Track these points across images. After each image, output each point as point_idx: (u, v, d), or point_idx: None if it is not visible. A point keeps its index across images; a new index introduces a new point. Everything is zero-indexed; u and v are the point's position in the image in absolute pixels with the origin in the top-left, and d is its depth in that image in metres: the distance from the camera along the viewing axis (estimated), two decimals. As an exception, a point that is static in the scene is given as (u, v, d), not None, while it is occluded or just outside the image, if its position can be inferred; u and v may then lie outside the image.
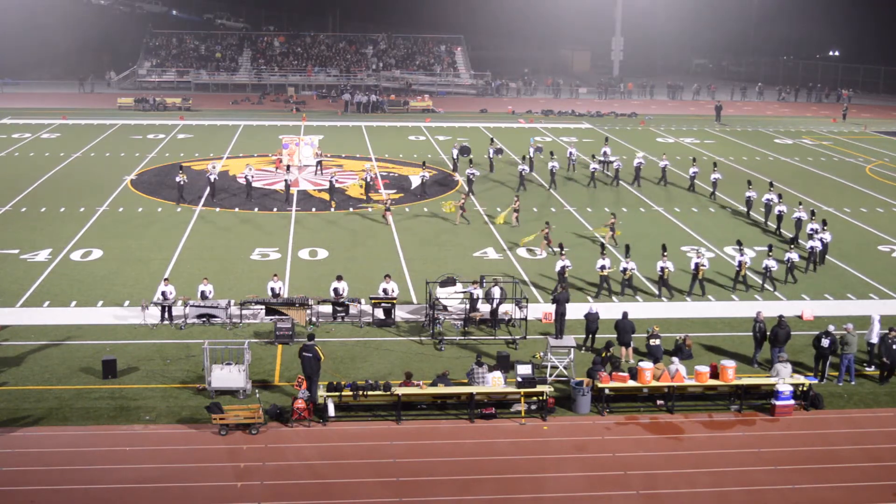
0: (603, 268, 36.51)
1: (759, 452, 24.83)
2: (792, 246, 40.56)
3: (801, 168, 64.58)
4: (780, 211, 46.72)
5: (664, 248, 37.71)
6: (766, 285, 37.87)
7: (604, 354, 28.90)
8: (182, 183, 50.17)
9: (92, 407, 26.53)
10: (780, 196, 48.42)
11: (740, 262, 37.61)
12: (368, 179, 52.50)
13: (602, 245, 39.26)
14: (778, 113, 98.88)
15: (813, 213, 45.21)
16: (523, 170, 54.74)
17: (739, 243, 39.19)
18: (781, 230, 46.60)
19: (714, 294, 37.15)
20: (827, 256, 41.82)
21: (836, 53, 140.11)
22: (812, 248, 40.55)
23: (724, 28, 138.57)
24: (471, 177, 53.55)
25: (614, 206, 51.07)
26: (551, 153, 58.13)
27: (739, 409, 27.27)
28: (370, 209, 48.86)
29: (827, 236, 41.37)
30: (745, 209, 50.42)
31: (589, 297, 35.48)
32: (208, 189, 51.64)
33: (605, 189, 55.88)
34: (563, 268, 36.35)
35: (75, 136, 72.26)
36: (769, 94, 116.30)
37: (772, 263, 37.57)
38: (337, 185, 51.74)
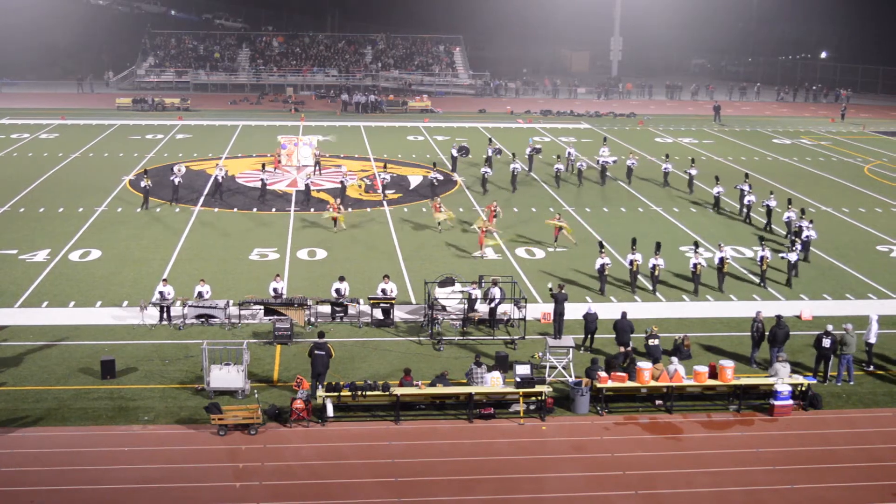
0: (633, 262, 37.07)
1: (758, 452, 24.84)
2: (767, 230, 43.76)
3: (799, 168, 64.60)
4: (749, 201, 48.37)
5: (696, 245, 38.56)
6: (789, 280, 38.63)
7: (624, 363, 29.02)
8: (147, 187, 49.30)
9: (91, 407, 26.53)
10: (750, 186, 49.66)
11: (762, 258, 38.04)
12: (346, 183, 51.53)
13: (601, 244, 39.32)
14: (776, 113, 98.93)
15: (789, 202, 46.88)
16: (486, 172, 54.53)
17: (762, 239, 40.03)
18: (752, 217, 48.59)
19: (714, 294, 37.22)
20: (826, 257, 41.99)
21: (826, 54, 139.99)
22: (808, 237, 41.15)
23: (722, 28, 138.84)
24: (434, 181, 53.19)
25: (610, 204, 51.23)
26: (513, 155, 58.01)
27: (738, 409, 27.28)
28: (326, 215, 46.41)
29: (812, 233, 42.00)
30: (713, 204, 51.46)
31: (588, 298, 35.53)
32: (172, 193, 50.69)
33: (568, 188, 55.95)
34: (602, 265, 36.93)
35: (74, 136, 72.26)
36: (768, 93, 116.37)
37: (792, 257, 38.18)
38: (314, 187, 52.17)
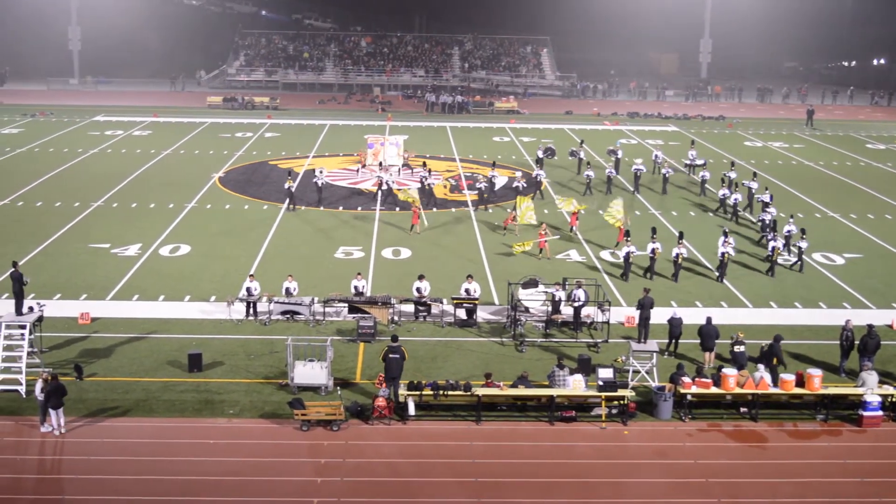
0: (654, 251, 38.73)
1: (846, 464, 24.33)
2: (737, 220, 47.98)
3: (893, 174, 63.08)
4: (735, 199, 49.77)
5: (725, 234, 39.43)
6: (801, 269, 40.33)
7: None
8: (291, 188, 49.48)
9: (178, 399, 27.05)
10: (734, 184, 51.64)
11: (773, 248, 39.81)
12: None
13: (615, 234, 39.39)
14: (870, 117, 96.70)
15: (764, 188, 49.51)
16: (493, 175, 53.62)
17: (773, 230, 41.37)
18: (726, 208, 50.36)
19: (801, 301, 36.58)
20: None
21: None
22: (789, 232, 42.66)
23: (815, 30, 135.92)
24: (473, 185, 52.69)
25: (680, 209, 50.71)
26: (538, 163, 57.09)
27: (825, 419, 26.76)
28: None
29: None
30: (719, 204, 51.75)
31: (673, 302, 35.19)
32: (317, 195, 50.97)
33: (648, 192, 55.30)
34: (628, 253, 38.80)
35: (166, 133, 73.72)
36: (861, 97, 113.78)
37: (804, 244, 40.39)
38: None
